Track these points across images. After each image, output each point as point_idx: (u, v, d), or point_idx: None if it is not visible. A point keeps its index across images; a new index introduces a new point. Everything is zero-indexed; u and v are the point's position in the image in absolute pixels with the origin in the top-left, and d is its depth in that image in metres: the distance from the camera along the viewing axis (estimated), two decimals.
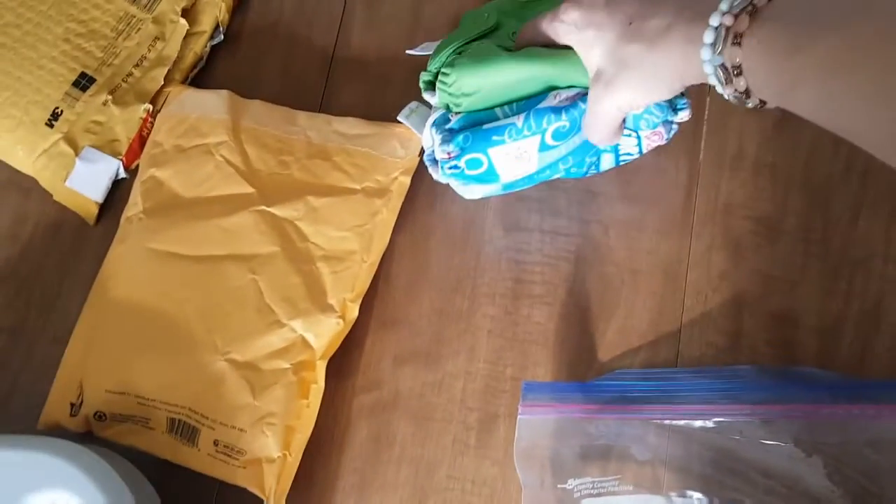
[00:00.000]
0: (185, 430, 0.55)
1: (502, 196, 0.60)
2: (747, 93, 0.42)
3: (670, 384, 0.53)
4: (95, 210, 0.63)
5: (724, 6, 0.41)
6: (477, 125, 0.52)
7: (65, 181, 0.62)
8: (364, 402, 0.58)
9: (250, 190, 0.59)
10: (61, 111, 0.63)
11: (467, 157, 0.53)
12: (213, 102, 0.63)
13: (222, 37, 0.67)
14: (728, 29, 0.40)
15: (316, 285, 0.57)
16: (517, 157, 0.52)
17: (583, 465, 0.53)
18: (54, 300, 0.63)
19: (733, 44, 0.40)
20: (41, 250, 0.64)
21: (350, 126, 0.61)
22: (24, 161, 0.64)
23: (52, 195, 0.64)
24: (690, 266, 0.58)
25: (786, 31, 0.38)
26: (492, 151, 0.52)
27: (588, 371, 0.57)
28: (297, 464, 0.54)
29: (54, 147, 0.63)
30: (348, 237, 0.58)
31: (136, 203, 0.61)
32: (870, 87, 0.34)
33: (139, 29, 0.65)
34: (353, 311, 0.57)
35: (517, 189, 0.57)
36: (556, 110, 0.50)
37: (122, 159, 0.63)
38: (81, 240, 0.64)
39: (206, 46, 0.67)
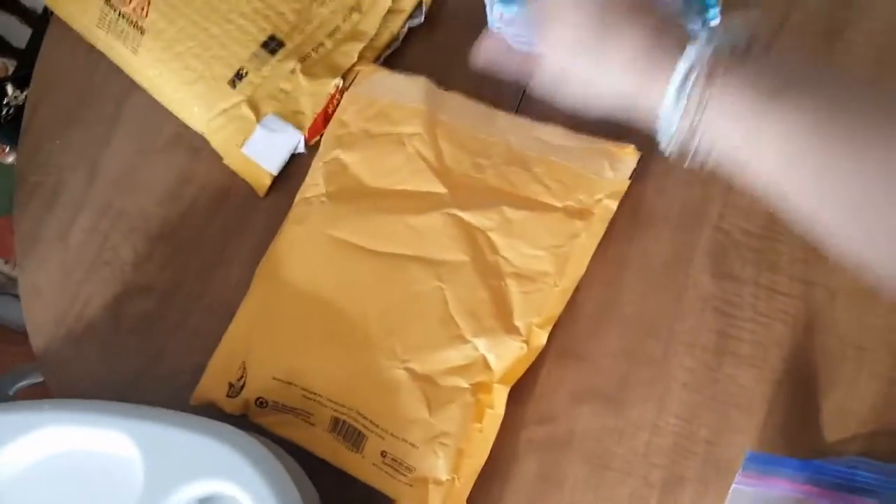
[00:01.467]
0: (350, 434, 0.51)
1: (712, 239, 0.54)
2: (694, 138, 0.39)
3: None
4: (268, 182, 0.59)
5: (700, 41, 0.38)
6: None
7: (241, 146, 0.58)
8: (535, 435, 0.53)
9: (442, 190, 0.54)
10: (246, 72, 0.58)
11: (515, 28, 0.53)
12: (408, 88, 0.58)
13: (423, 18, 0.62)
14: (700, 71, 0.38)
15: (503, 303, 0.52)
16: None
17: None
18: (214, 268, 0.59)
19: (706, 83, 0.38)
20: (205, 215, 0.60)
21: (554, 135, 0.56)
22: (198, 118, 0.59)
23: (222, 158, 0.59)
24: None
25: (759, 85, 0.37)
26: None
27: (796, 450, 0.50)
28: (467, 491, 0.49)
29: (235, 109, 0.58)
30: (542, 257, 0.53)
31: (316, 184, 0.56)
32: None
33: None
34: (540, 338, 0.52)
35: None
36: None
37: (304, 133, 0.58)
38: (249, 209, 0.60)
39: (403, 26, 0.62)
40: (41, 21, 0.70)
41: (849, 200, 0.35)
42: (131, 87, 0.63)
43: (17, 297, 0.96)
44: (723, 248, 0.55)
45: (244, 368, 0.53)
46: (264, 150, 0.58)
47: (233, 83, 0.58)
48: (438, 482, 0.49)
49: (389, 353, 0.51)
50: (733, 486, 0.49)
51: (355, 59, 0.59)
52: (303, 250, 0.55)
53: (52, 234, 0.61)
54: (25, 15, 0.91)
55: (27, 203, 0.62)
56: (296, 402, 0.52)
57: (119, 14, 0.60)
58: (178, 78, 0.59)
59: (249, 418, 0.53)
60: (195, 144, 0.60)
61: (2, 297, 1.13)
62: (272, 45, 0.59)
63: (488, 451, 0.50)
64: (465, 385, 0.50)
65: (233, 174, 0.59)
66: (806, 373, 0.52)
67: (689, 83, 0.38)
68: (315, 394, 0.52)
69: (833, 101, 0.35)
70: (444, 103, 0.58)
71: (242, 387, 0.53)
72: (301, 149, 0.59)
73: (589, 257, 0.54)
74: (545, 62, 0.45)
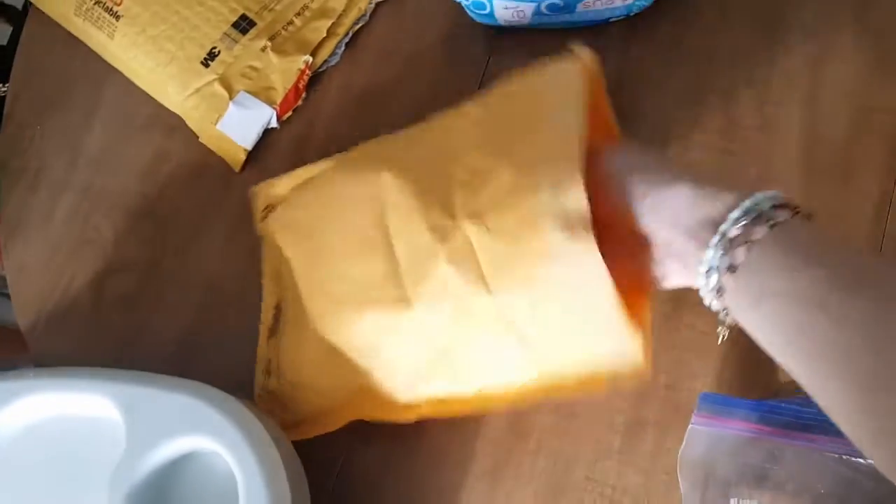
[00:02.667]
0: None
1: None
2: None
3: None
4: (243, 157, 0.61)
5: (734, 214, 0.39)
6: None
7: (215, 123, 0.60)
8: None
9: None
10: (218, 51, 0.60)
11: None
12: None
13: None
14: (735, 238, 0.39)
15: None
16: (514, 13, 0.60)
17: (751, 486, 0.49)
18: (192, 242, 0.61)
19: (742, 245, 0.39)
20: (182, 191, 0.62)
21: None
22: (173, 98, 0.61)
23: (198, 136, 0.61)
24: None
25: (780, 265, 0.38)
26: (495, 1, 0.59)
27: (750, 392, 0.52)
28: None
29: (208, 87, 0.60)
30: None
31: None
32: None
33: None
34: None
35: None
36: None
37: (276, 107, 0.60)
38: (224, 185, 0.62)
39: (370, 2, 0.64)
40: (22, 17, 0.72)
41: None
42: (109, 72, 0.65)
43: (7, 296, 0.97)
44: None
45: (278, 206, 0.57)
46: (238, 126, 0.60)
47: (205, 62, 0.60)
48: None
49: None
50: (690, 426, 0.51)
51: (324, 34, 0.61)
52: None
53: (36, 216, 0.63)
54: (6, 12, 0.94)
55: (11, 188, 0.64)
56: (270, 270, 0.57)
57: (95, 1, 0.62)
58: (153, 60, 0.61)
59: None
60: (171, 124, 0.62)
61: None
62: (243, 24, 0.61)
63: None
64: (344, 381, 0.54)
65: (208, 152, 0.61)
66: None
67: (716, 264, 0.39)
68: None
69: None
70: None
71: (264, 218, 0.57)
72: (274, 124, 0.61)
73: (512, 403, 0.52)
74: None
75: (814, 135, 0.58)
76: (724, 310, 0.41)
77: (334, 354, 0.52)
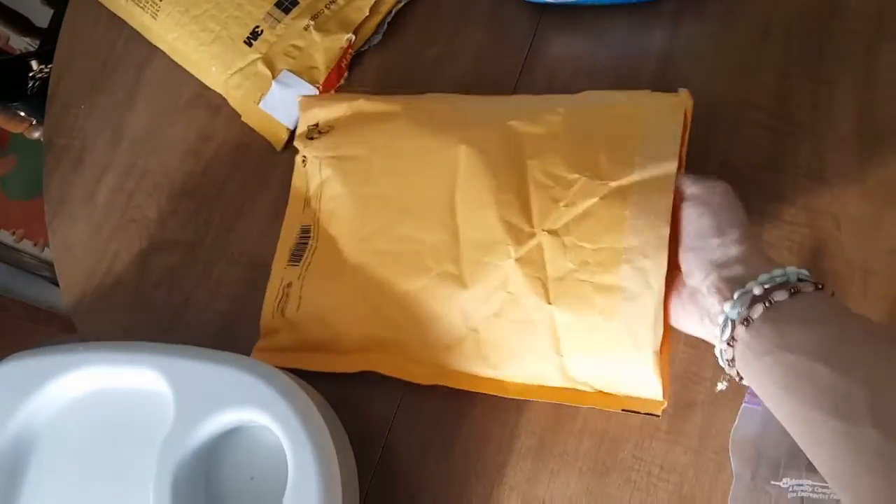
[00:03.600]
0: None
1: (719, 174, 0.55)
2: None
3: None
4: (285, 136, 0.61)
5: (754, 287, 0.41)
6: None
7: (258, 102, 0.60)
8: None
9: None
10: (261, 31, 0.60)
11: None
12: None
13: None
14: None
15: None
16: None
17: (802, 468, 0.49)
18: (235, 221, 0.61)
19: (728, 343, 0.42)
20: (225, 170, 0.62)
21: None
22: (216, 77, 0.61)
23: (240, 115, 0.61)
24: None
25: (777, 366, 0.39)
26: None
27: None
28: None
29: (251, 66, 0.60)
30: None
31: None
32: None
33: None
34: None
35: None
36: None
37: (318, 87, 0.60)
38: (267, 164, 0.62)
39: None
40: (61, 1, 0.73)
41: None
42: (151, 52, 0.65)
43: (46, 278, 0.99)
44: (728, 180, 0.56)
45: (330, 130, 0.57)
46: (281, 105, 0.59)
47: (248, 42, 0.60)
48: None
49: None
50: (743, 405, 0.51)
51: (367, 13, 0.61)
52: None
53: (79, 194, 0.63)
54: None
55: (56, 166, 0.64)
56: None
57: None
58: (196, 40, 0.61)
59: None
60: (214, 103, 0.63)
61: (33, 279, 1.17)
62: (286, 3, 0.61)
63: None
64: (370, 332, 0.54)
65: (251, 131, 0.61)
66: None
67: (728, 330, 0.41)
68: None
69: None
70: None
71: (313, 139, 0.57)
72: None
73: (529, 396, 0.53)
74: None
75: (867, 113, 0.56)
76: (731, 360, 0.42)
77: (368, 304, 0.53)
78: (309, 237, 0.56)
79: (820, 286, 0.41)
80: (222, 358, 0.50)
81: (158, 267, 0.61)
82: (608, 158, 0.49)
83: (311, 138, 0.57)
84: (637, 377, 0.49)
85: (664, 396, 0.49)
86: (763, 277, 0.41)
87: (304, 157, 0.57)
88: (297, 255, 0.56)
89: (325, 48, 0.60)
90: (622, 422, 0.53)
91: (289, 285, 0.55)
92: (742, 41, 0.59)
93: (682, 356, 0.53)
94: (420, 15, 0.64)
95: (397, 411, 0.55)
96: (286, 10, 0.60)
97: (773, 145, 0.56)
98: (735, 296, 0.41)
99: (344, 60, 0.61)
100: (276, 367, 0.50)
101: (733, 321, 0.41)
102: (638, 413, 0.49)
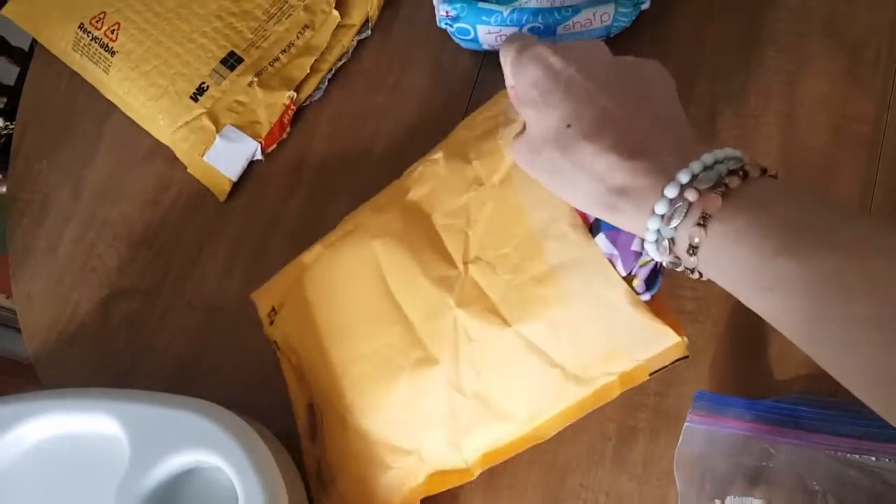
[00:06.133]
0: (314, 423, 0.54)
1: None
2: (691, 269, 0.38)
3: (849, 416, 0.49)
4: (228, 187, 0.63)
5: (682, 177, 0.36)
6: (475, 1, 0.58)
7: (202, 155, 0.62)
8: None
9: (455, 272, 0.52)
10: (207, 87, 0.63)
11: (459, 24, 0.60)
12: None
13: (370, 32, 0.67)
14: (690, 205, 0.36)
15: (456, 420, 0.51)
16: (497, 37, 0.61)
17: (746, 484, 0.50)
18: (192, 267, 0.63)
19: (697, 224, 0.36)
20: (182, 218, 0.64)
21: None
22: (163, 130, 0.64)
23: (186, 167, 0.64)
24: None
25: (774, 226, 0.34)
26: (479, 27, 0.60)
27: (741, 394, 0.53)
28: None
29: (196, 121, 0.63)
30: (519, 401, 0.50)
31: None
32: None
33: (290, 15, 0.65)
34: (476, 470, 0.51)
35: None
36: (536, 13, 0.59)
37: (261, 142, 0.63)
38: (223, 212, 0.64)
39: (353, 40, 0.66)
40: (28, 58, 0.75)
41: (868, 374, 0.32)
42: (111, 106, 0.67)
43: (19, 330, 0.99)
44: None
45: (283, 306, 0.56)
46: (224, 158, 0.62)
47: (195, 97, 0.63)
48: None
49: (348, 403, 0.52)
50: (686, 424, 0.52)
51: (307, 71, 0.64)
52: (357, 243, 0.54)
53: (42, 246, 0.65)
54: (12, 54, 0.97)
55: (19, 220, 0.66)
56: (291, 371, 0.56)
57: (92, 38, 0.64)
58: (145, 94, 0.63)
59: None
60: (171, 154, 0.65)
61: (4, 331, 1.18)
62: (231, 60, 0.63)
63: None
64: (394, 466, 0.51)
65: None
66: (746, 323, 0.55)
67: (674, 221, 0.36)
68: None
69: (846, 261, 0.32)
70: None
71: (273, 322, 0.57)
72: (258, 156, 0.63)
73: (564, 425, 0.50)
74: (518, 143, 0.43)
75: (792, 145, 0.59)
76: (693, 247, 0.37)
77: (376, 440, 0.51)
78: (314, 410, 0.55)
79: (772, 173, 0.38)
80: (176, 401, 0.52)
81: (118, 314, 0.63)
82: (481, 163, 0.49)
83: (272, 323, 0.58)
84: (638, 333, 0.45)
85: (679, 333, 0.45)
86: (707, 158, 0.37)
87: (276, 342, 0.58)
88: (313, 432, 0.55)
89: (267, 104, 0.63)
90: (569, 451, 0.55)
91: (318, 463, 0.54)
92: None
93: None
94: (364, 69, 0.66)
95: None
96: (231, 68, 0.63)
97: None
98: (693, 166, 0.37)
99: (286, 116, 0.63)
100: None
101: (689, 203, 0.36)
102: (668, 366, 0.46)
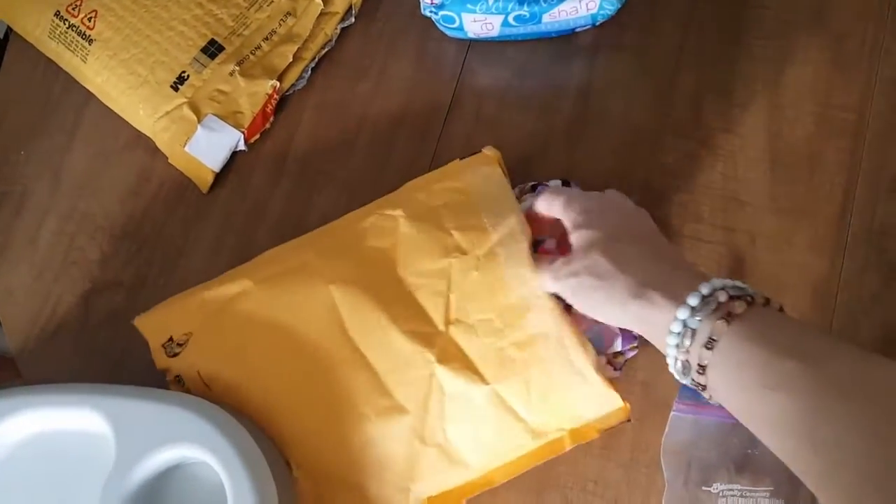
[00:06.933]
0: None
1: (640, 196, 0.57)
2: (702, 386, 0.42)
3: None
4: (211, 178, 0.62)
5: (692, 301, 0.41)
6: None
7: (183, 146, 0.61)
8: None
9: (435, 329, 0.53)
10: (188, 76, 0.62)
11: (444, 12, 0.60)
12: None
13: (353, 19, 0.66)
14: (695, 331, 0.41)
15: (411, 464, 0.52)
16: (482, 25, 0.61)
17: (732, 471, 0.52)
18: (176, 259, 0.62)
19: (705, 347, 0.40)
20: (164, 210, 0.63)
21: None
22: (144, 120, 0.63)
23: (167, 157, 0.63)
24: (841, 286, 0.55)
25: (778, 341, 0.38)
26: (464, 15, 0.60)
27: None
28: None
29: (177, 110, 0.61)
30: (475, 449, 0.52)
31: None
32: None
33: (272, 2, 0.64)
34: None
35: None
36: (521, 1, 0.59)
37: (243, 132, 0.62)
38: (205, 203, 0.63)
39: (336, 28, 0.65)
40: (3, 47, 0.73)
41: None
42: (89, 95, 0.66)
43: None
44: (650, 202, 0.57)
45: (189, 338, 0.55)
46: (206, 148, 0.61)
47: (175, 87, 0.61)
48: None
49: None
50: (672, 413, 0.53)
51: (290, 59, 0.63)
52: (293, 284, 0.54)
53: (21, 239, 0.64)
54: None
55: None
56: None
57: (68, 25, 0.63)
58: (124, 83, 0.62)
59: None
60: (152, 145, 0.64)
61: None
62: (212, 49, 0.62)
63: None
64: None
65: None
66: None
67: (687, 341, 0.41)
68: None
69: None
70: None
71: (176, 354, 0.55)
72: (241, 146, 0.62)
73: (516, 474, 0.53)
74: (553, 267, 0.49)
75: (778, 134, 0.59)
76: (702, 366, 0.42)
77: (320, 486, 0.52)
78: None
79: (772, 302, 0.41)
80: (162, 396, 0.51)
81: (102, 308, 0.62)
82: (462, 234, 0.52)
83: (174, 355, 0.55)
84: (593, 398, 0.51)
85: (623, 400, 0.51)
86: (717, 283, 0.41)
87: (178, 376, 0.55)
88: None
89: (249, 93, 0.62)
90: None
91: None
92: (656, 70, 0.62)
93: (612, 375, 0.55)
94: (349, 57, 0.65)
95: None
96: (212, 56, 0.62)
97: (691, 168, 0.59)
98: (691, 301, 0.41)
99: (269, 105, 0.62)
100: None
101: (693, 330, 0.41)
102: (613, 427, 0.51)
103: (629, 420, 0.51)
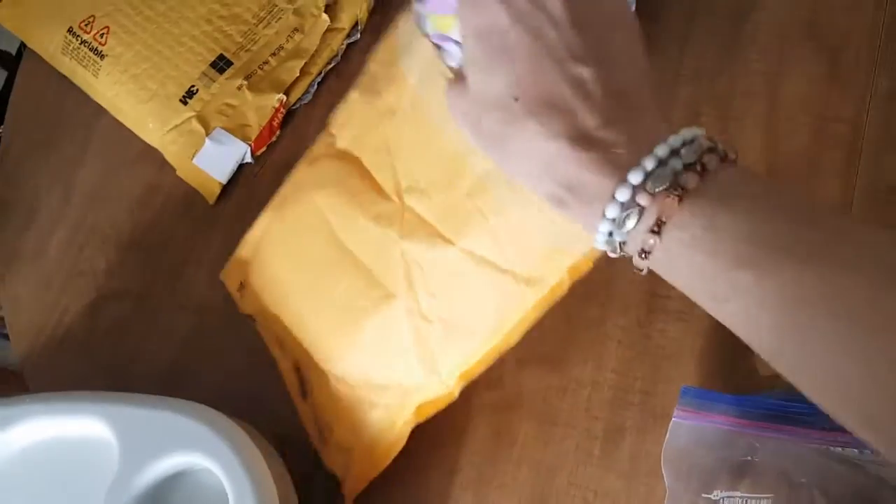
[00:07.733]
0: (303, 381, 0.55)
1: None
2: (640, 269, 0.35)
3: None
4: (218, 190, 0.64)
5: (634, 178, 0.33)
6: None
7: (192, 158, 0.63)
8: (486, 400, 0.56)
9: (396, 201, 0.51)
10: (196, 90, 0.63)
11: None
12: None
13: (359, 35, 0.67)
14: (644, 209, 0.33)
15: (426, 347, 0.51)
16: None
17: (733, 478, 0.51)
18: (182, 269, 0.63)
19: (651, 231, 0.33)
20: (171, 221, 0.65)
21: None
22: (153, 133, 0.64)
23: (175, 170, 0.64)
24: None
25: (731, 232, 0.32)
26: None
27: (727, 392, 0.54)
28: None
29: (186, 124, 0.63)
30: (479, 316, 0.50)
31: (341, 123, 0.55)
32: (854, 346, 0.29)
33: (280, 18, 0.65)
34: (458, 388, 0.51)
35: None
36: None
37: (250, 144, 0.63)
38: (212, 214, 0.64)
39: (342, 43, 0.67)
40: (16, 62, 0.76)
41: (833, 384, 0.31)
42: (100, 109, 0.67)
43: (5, 336, 0.99)
44: None
45: (245, 283, 0.57)
46: (213, 161, 0.63)
47: (184, 100, 0.63)
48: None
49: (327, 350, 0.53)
50: (673, 419, 0.53)
51: (297, 74, 0.65)
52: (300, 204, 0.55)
53: (30, 249, 0.66)
54: (0, 57, 0.97)
55: (7, 223, 0.67)
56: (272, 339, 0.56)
57: (81, 41, 0.65)
58: (134, 97, 0.64)
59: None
60: (161, 158, 0.65)
61: None
62: (221, 64, 0.64)
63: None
64: (379, 403, 0.52)
65: None
66: None
67: (626, 226, 0.34)
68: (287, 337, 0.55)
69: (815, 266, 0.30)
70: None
71: (243, 297, 0.57)
72: (248, 159, 0.64)
73: (528, 328, 0.49)
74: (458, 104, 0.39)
75: (774, 146, 0.60)
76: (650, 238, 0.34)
77: (356, 383, 0.53)
78: (300, 371, 0.56)
79: (732, 157, 0.35)
80: (165, 403, 0.51)
81: (108, 317, 0.63)
82: (389, 91, 0.49)
83: (243, 296, 0.58)
84: (565, 227, 0.44)
85: None
86: (674, 139, 0.34)
87: (250, 315, 0.58)
88: (304, 391, 0.56)
89: (257, 107, 0.63)
90: (556, 449, 0.55)
91: (315, 419, 0.55)
92: (655, 84, 0.62)
93: (609, 383, 0.55)
94: (353, 73, 0.65)
95: None
96: (220, 71, 0.64)
97: None
98: (645, 163, 0.34)
99: (276, 119, 0.64)
100: None
101: (643, 208, 0.33)
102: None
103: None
